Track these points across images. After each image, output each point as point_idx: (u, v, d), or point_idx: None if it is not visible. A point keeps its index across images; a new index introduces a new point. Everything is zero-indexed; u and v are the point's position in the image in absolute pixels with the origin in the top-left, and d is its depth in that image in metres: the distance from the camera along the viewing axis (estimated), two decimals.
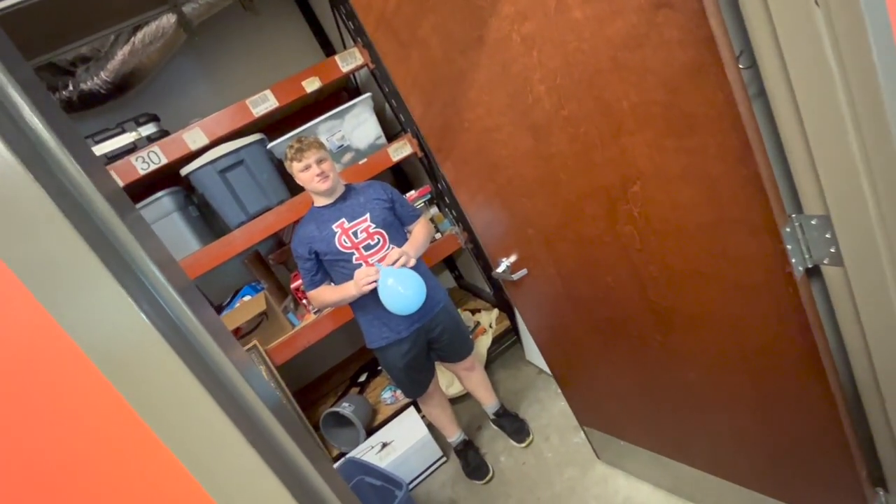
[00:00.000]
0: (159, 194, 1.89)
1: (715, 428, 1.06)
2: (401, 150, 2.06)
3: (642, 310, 1.00)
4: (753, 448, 1.00)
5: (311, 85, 1.94)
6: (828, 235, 0.66)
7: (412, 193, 2.23)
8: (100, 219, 0.46)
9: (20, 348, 0.43)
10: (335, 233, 1.46)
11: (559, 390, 1.98)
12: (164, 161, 1.79)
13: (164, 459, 0.45)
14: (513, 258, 1.24)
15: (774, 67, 0.59)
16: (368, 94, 2.03)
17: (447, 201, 2.21)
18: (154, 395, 0.44)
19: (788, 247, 0.68)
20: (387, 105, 2.17)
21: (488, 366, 2.30)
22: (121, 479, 0.47)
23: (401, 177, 2.83)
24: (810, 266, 0.70)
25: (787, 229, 0.68)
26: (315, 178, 1.43)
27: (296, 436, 0.52)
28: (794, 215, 0.68)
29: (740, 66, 0.63)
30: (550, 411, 1.93)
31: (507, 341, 2.39)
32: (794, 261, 0.69)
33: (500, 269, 1.24)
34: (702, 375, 0.99)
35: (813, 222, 0.66)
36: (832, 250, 0.66)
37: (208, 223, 2.23)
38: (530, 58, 0.82)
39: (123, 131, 1.82)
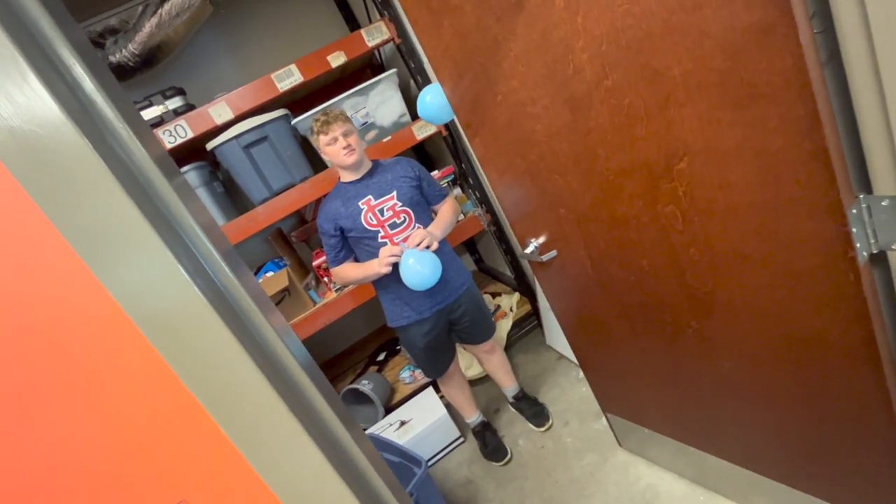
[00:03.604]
0: (186, 168, 1.90)
1: (748, 419, 1.02)
2: (425, 128, 2.02)
3: (678, 295, 0.95)
4: (790, 441, 0.96)
5: (337, 59, 1.90)
6: None
7: (435, 173, 2.20)
8: (148, 182, 0.44)
9: (64, 309, 0.42)
10: (361, 210, 1.44)
11: (580, 376, 1.96)
12: (191, 135, 1.79)
13: (201, 420, 0.44)
14: (542, 239, 1.20)
15: (854, 27, 0.53)
16: (393, 71, 1.99)
17: (471, 182, 2.17)
18: (195, 358, 0.43)
19: (853, 230, 0.63)
20: (412, 82, 2.12)
21: (508, 349, 2.29)
22: (159, 439, 0.46)
23: (424, 156, 2.79)
24: (875, 252, 0.65)
25: (854, 210, 0.62)
26: (342, 151, 1.41)
27: (331, 400, 0.52)
28: (861, 195, 0.63)
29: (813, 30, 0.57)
30: (570, 396, 1.91)
31: (527, 325, 2.36)
32: (858, 245, 0.63)
33: (528, 250, 1.21)
34: (739, 364, 0.95)
35: (884, 203, 0.61)
36: None
37: (232, 199, 2.25)
38: (573, 23, 0.77)
39: (151, 104, 1.83)
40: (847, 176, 0.62)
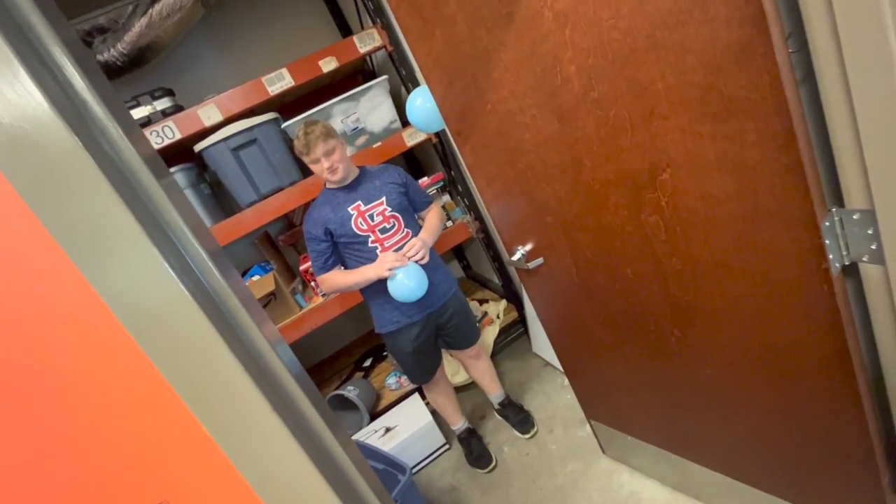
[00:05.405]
0: (172, 170, 1.88)
1: (728, 426, 1.04)
2: (415, 134, 2.04)
3: (662, 303, 0.97)
4: (768, 448, 0.98)
5: (328, 65, 1.91)
6: (870, 231, 0.63)
7: (425, 180, 2.21)
8: (137, 181, 0.44)
9: (50, 307, 0.42)
10: (351, 215, 1.44)
11: (565, 383, 1.97)
12: (179, 136, 1.78)
13: (185, 421, 0.44)
14: (529, 246, 1.21)
15: (827, 48, 0.55)
16: (385, 77, 2.00)
17: (460, 189, 2.18)
18: (181, 358, 0.43)
19: (826, 242, 0.65)
20: (403, 89, 2.14)
21: (495, 356, 2.29)
22: (142, 439, 0.46)
23: (414, 163, 2.80)
24: (847, 263, 0.67)
25: (827, 223, 0.65)
26: (325, 171, 1.41)
27: (317, 404, 0.52)
28: (834, 209, 0.65)
29: (789, 50, 0.60)
30: (555, 404, 1.92)
31: (514, 332, 2.38)
32: (831, 257, 0.66)
33: (515, 258, 1.22)
34: (719, 372, 0.97)
35: (855, 217, 0.63)
36: (873, 247, 0.63)
37: (219, 201, 2.22)
38: (562, 36, 0.79)
39: (138, 104, 1.81)
40: (820, 190, 0.64)
